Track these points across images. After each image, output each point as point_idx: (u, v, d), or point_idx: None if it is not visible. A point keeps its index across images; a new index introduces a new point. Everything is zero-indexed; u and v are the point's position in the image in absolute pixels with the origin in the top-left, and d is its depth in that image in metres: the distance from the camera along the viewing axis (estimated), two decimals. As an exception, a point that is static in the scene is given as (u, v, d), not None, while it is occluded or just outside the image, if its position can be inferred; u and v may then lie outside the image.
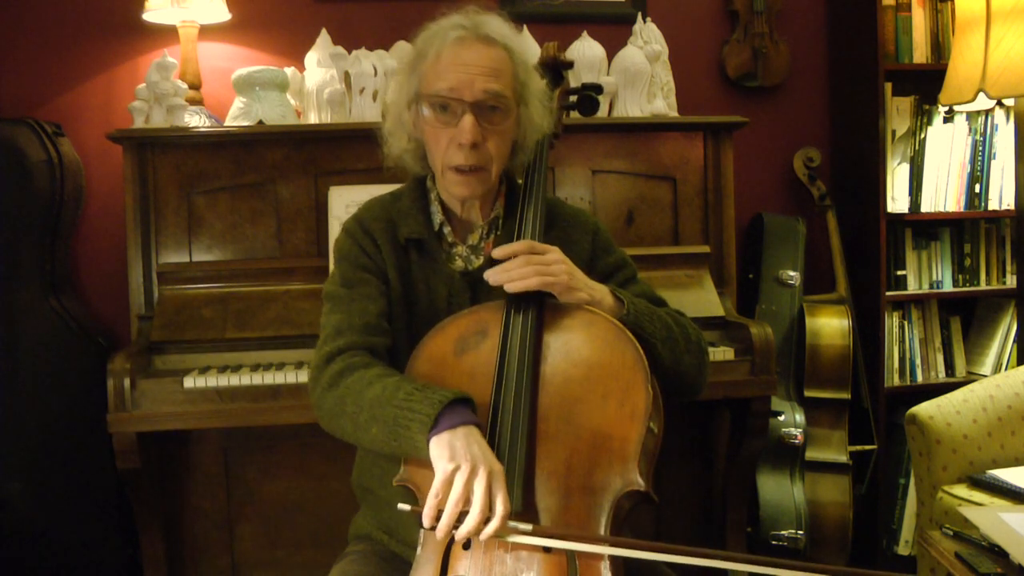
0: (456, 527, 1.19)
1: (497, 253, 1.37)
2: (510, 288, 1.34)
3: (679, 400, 1.50)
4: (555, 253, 1.37)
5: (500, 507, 1.18)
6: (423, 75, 1.44)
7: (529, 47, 2.57)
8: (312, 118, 2.52)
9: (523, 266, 1.34)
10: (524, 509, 1.23)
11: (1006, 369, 2.94)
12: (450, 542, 1.27)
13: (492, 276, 1.36)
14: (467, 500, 1.18)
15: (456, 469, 1.18)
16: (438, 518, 1.18)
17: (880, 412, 2.88)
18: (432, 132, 1.44)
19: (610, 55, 2.66)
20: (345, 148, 2.45)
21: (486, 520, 1.18)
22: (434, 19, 1.47)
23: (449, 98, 1.40)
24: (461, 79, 1.40)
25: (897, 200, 2.94)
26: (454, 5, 1.49)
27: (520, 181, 1.54)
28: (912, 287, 2.98)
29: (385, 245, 1.49)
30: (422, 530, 1.29)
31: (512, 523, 1.19)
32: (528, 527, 1.20)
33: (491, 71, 1.41)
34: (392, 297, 1.47)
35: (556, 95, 1.64)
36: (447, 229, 1.51)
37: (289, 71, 2.58)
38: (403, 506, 1.23)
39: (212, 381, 2.15)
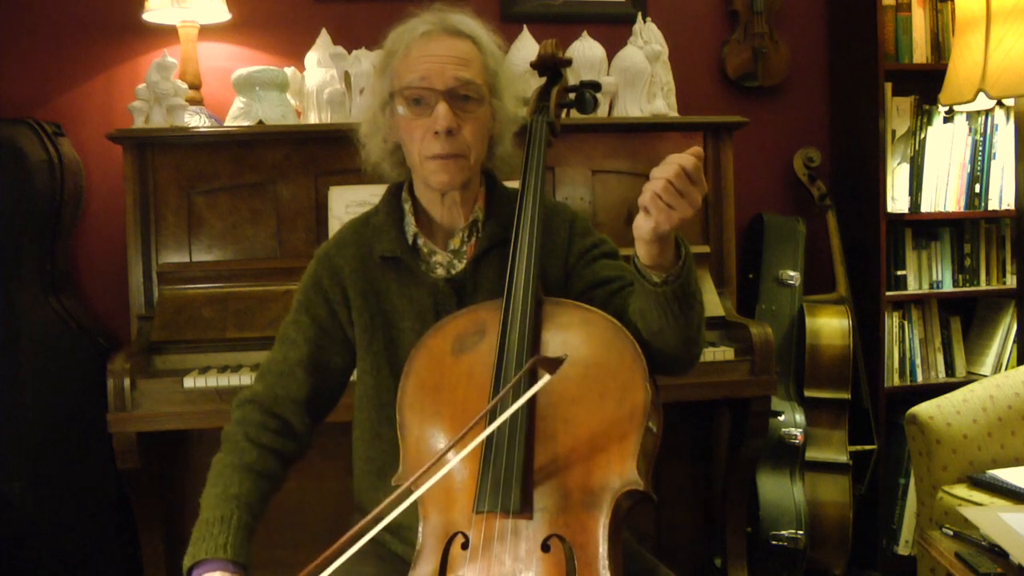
0: None
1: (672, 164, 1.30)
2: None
3: (684, 370, 1.42)
4: (700, 187, 1.29)
5: None
6: (394, 72, 1.45)
7: (528, 47, 2.57)
8: (312, 118, 2.52)
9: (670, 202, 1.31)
10: (522, 509, 1.23)
11: (1006, 369, 2.93)
12: (448, 543, 1.27)
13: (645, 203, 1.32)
14: None
15: None
16: None
17: (880, 412, 2.87)
18: (407, 128, 1.44)
19: (610, 55, 2.66)
20: (345, 148, 2.39)
21: None
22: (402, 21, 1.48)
23: (421, 88, 1.41)
24: (431, 68, 1.41)
25: (897, 200, 2.93)
26: (452, 5, 1.50)
27: (495, 172, 1.55)
28: (912, 287, 2.98)
29: (354, 273, 1.50)
30: (421, 530, 1.30)
31: None
32: None
33: (460, 60, 1.42)
34: (362, 322, 1.49)
35: (554, 93, 1.64)
36: (421, 240, 1.51)
37: (289, 71, 2.58)
38: None
39: (212, 381, 2.15)
